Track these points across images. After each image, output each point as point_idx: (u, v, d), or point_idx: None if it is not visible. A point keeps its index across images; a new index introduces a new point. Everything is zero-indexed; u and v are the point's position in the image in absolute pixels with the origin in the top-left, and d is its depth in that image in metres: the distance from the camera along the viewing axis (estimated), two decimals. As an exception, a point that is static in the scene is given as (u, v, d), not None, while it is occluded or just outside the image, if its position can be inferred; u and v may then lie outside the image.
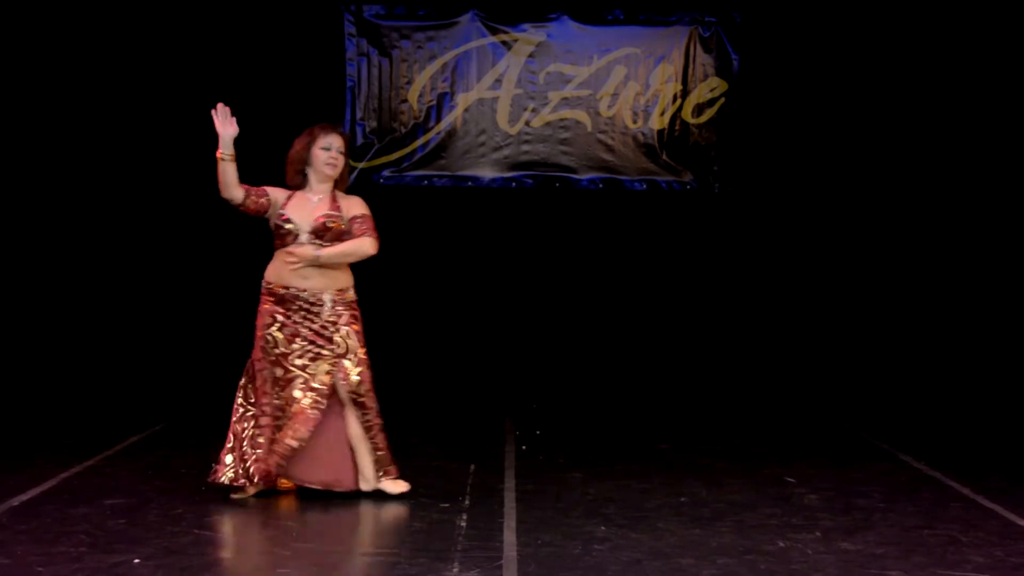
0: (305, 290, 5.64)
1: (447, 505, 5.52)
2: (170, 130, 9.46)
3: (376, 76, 9.62)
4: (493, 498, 5.66)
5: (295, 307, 5.63)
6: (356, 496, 5.66)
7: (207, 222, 9.56)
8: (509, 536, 5.09)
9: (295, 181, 5.79)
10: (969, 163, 9.47)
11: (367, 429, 5.68)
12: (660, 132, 9.69)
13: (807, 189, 9.66)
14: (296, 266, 5.59)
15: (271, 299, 5.66)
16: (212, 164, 9.44)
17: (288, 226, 5.63)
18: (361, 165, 9.61)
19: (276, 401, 5.63)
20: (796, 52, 9.59)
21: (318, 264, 5.61)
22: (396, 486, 5.67)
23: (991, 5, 9.26)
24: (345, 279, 5.75)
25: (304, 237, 5.62)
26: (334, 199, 5.72)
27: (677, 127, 9.71)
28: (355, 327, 5.70)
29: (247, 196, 5.63)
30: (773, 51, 9.63)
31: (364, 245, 5.69)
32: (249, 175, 9.52)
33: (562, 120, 9.65)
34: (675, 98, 9.69)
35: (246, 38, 9.45)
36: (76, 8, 9.25)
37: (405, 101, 9.63)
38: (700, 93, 9.69)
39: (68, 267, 9.43)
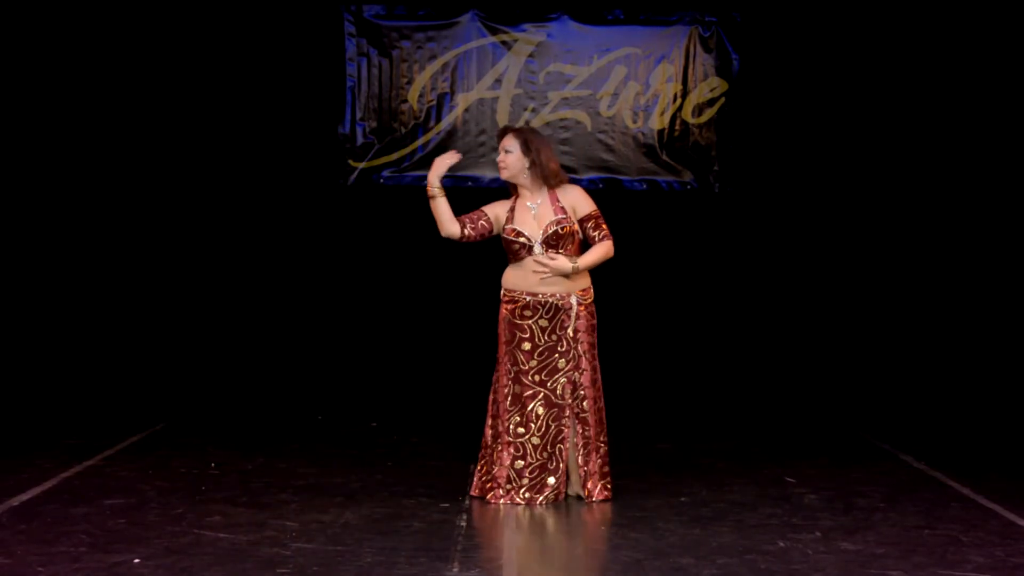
0: (554, 294, 5.56)
1: (447, 505, 5.52)
2: (170, 130, 9.47)
3: (376, 76, 9.62)
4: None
5: (540, 314, 5.57)
6: (355, 496, 5.66)
7: (207, 222, 9.57)
8: (509, 536, 5.09)
9: (511, 189, 5.71)
10: (969, 163, 9.46)
11: (584, 445, 5.61)
12: (660, 132, 9.69)
13: (807, 189, 9.66)
14: (547, 277, 5.52)
15: (512, 306, 5.60)
16: (212, 162, 9.53)
17: (520, 239, 5.56)
18: (361, 165, 9.61)
19: (516, 418, 5.57)
20: (796, 52, 9.59)
21: (570, 275, 5.55)
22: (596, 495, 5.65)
23: (991, 5, 9.26)
24: (586, 278, 5.65)
25: (538, 248, 5.54)
26: (555, 199, 5.60)
27: (677, 127, 9.71)
28: (590, 338, 5.61)
29: (463, 229, 5.61)
30: (773, 51, 9.63)
31: (609, 250, 5.57)
32: (248, 174, 9.57)
33: (562, 120, 9.65)
34: (675, 98, 9.69)
35: (246, 38, 9.45)
36: (76, 8, 9.25)
37: (405, 101, 9.63)
38: (700, 93, 9.69)
39: (68, 267, 9.43)
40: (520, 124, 9.61)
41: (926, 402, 8.72)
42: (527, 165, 5.60)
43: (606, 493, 5.63)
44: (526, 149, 5.60)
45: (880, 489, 5.93)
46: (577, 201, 5.63)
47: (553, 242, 5.55)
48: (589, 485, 5.61)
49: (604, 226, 5.62)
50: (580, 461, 5.61)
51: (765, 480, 6.13)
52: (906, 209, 9.58)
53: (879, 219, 9.62)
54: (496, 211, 5.69)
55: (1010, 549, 4.85)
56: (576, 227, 5.59)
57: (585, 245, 5.65)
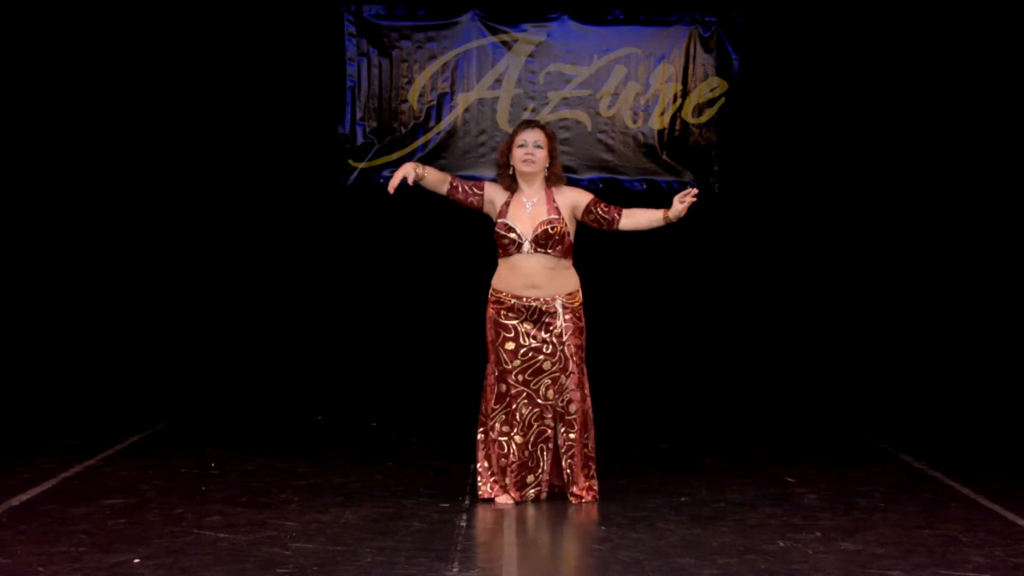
0: (537, 299, 5.56)
1: (447, 505, 5.52)
2: (171, 130, 9.47)
3: (376, 76, 9.62)
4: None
5: (524, 317, 5.56)
6: (355, 496, 5.66)
7: (207, 222, 9.57)
8: (509, 536, 5.09)
9: (506, 183, 5.66)
10: (969, 163, 9.46)
11: (567, 447, 5.58)
12: (660, 132, 9.69)
13: (808, 189, 9.66)
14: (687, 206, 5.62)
15: (498, 307, 5.60)
16: (212, 163, 9.53)
17: (511, 235, 5.55)
18: (361, 165, 9.61)
19: (502, 416, 5.57)
20: (796, 52, 9.59)
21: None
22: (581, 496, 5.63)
23: (991, 5, 9.26)
24: (573, 281, 5.67)
25: (527, 246, 5.53)
26: (551, 199, 5.60)
27: (677, 127, 9.71)
28: (576, 341, 5.60)
29: (451, 188, 5.64)
30: (773, 51, 9.63)
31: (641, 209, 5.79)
32: (249, 174, 9.57)
33: (562, 120, 9.65)
34: (675, 98, 9.69)
35: (246, 38, 9.45)
36: (76, 8, 9.25)
37: (405, 101, 9.63)
38: (700, 93, 9.69)
39: (69, 267, 9.43)
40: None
41: (926, 402, 8.72)
42: (546, 165, 5.62)
43: (592, 494, 5.63)
44: (552, 151, 5.63)
45: (880, 489, 5.93)
46: (576, 198, 5.65)
47: (543, 241, 5.54)
48: (574, 488, 5.60)
49: (609, 205, 5.69)
50: (564, 464, 5.60)
51: (765, 480, 6.13)
52: (906, 209, 9.58)
53: (879, 219, 9.62)
54: (493, 195, 5.66)
55: (1010, 549, 4.85)
56: (567, 228, 5.59)
57: (577, 247, 5.68)
